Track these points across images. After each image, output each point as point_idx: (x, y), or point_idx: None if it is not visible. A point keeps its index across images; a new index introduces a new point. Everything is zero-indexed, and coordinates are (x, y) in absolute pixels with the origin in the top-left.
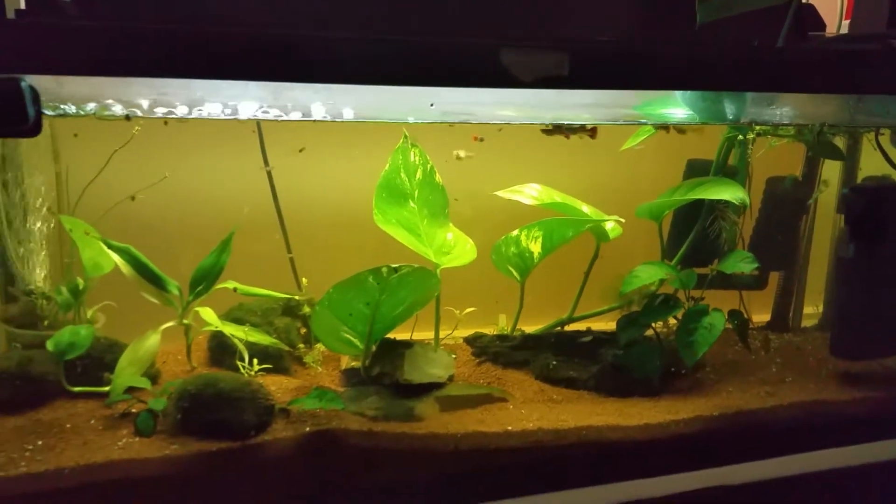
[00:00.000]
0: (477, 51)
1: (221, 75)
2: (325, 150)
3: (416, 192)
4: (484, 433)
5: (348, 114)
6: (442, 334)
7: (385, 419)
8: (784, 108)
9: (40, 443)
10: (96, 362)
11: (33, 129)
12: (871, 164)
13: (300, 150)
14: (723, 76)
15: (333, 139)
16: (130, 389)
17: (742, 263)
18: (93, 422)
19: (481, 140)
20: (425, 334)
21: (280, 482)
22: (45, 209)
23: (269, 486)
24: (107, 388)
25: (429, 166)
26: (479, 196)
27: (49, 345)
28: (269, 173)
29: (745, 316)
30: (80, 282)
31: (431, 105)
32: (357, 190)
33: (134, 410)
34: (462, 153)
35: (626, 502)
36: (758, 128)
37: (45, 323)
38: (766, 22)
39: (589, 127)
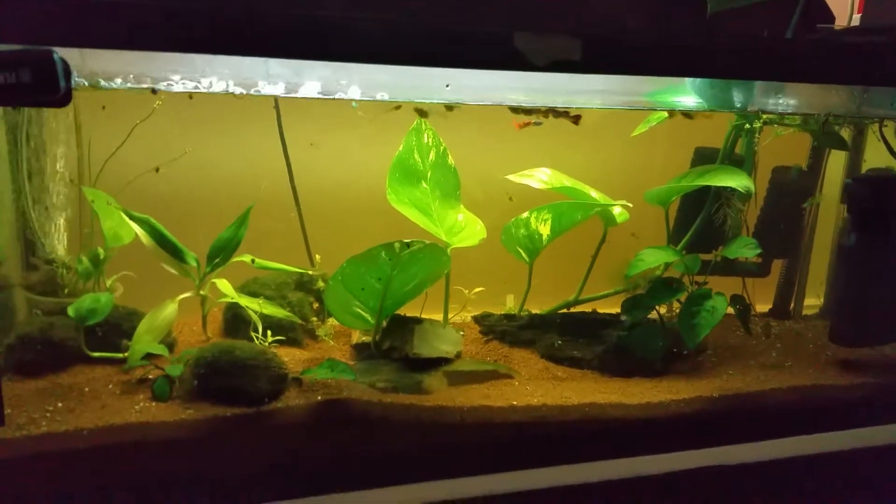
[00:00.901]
0: (493, 34)
1: (245, 52)
2: (341, 130)
3: (429, 174)
4: (489, 407)
5: (366, 93)
6: (450, 314)
7: (394, 391)
8: (790, 98)
9: (60, 405)
10: (115, 329)
11: (63, 100)
12: (875, 156)
13: (396, 108)
14: (730, 65)
15: (349, 119)
16: (148, 356)
17: (745, 249)
18: (111, 386)
19: (538, 124)
20: (434, 315)
21: (292, 448)
22: (66, 180)
23: (280, 451)
24: (124, 355)
25: (442, 148)
26: (489, 179)
27: (70, 311)
28: (285, 151)
29: (748, 302)
30: (101, 251)
31: (447, 86)
32: (371, 169)
33: (151, 376)
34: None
35: (626, 479)
36: (765, 116)
37: (66, 291)
38: (775, 13)
39: (573, 114)
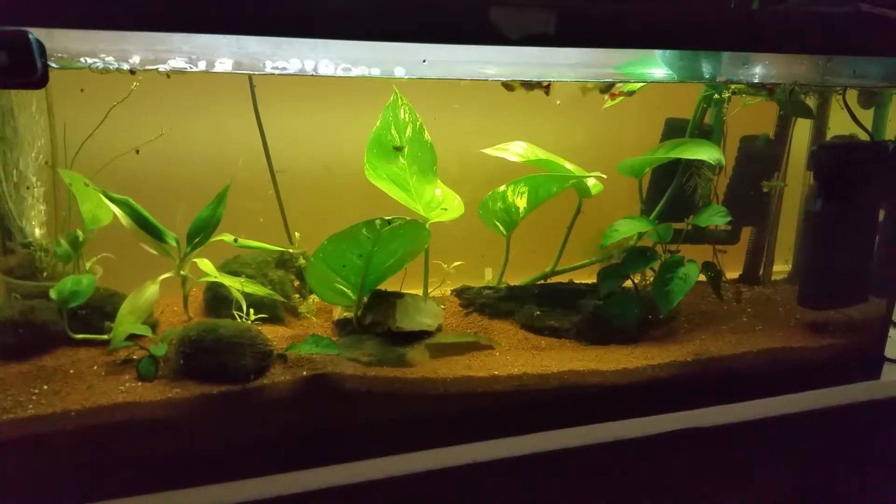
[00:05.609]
0: (468, 8)
1: (219, 30)
2: (318, 105)
3: (406, 149)
4: (471, 377)
5: (340, 69)
6: (430, 288)
7: (378, 364)
8: (757, 68)
9: (46, 387)
10: (97, 311)
11: (41, 81)
12: (838, 123)
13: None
14: (699, 37)
15: (326, 94)
16: (131, 337)
17: (716, 217)
18: (95, 368)
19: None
20: (414, 290)
21: (278, 423)
22: (41, 163)
23: (268, 427)
24: (108, 336)
25: (418, 123)
26: (466, 154)
27: (52, 293)
28: (260, 130)
29: (719, 268)
30: (79, 234)
31: (424, 61)
32: (350, 145)
33: (135, 357)
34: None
35: (604, 443)
36: (733, 87)
37: (44, 274)
38: None
39: (545, 84)
